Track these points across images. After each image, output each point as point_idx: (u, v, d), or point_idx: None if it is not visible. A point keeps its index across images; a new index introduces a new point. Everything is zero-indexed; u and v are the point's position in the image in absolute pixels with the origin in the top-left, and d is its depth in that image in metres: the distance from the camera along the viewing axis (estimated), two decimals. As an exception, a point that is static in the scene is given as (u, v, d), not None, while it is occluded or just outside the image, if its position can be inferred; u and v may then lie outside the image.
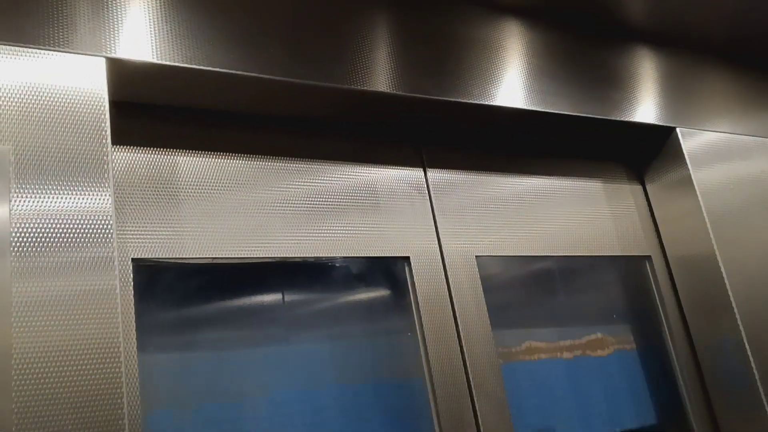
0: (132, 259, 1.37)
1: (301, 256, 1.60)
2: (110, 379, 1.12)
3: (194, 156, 1.53)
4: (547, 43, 2.04)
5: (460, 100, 1.76)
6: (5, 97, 1.20)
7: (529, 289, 2.01)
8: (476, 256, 1.83)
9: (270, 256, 1.56)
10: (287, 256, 1.58)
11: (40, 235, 1.15)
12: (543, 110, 1.91)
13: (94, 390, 1.10)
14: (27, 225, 1.15)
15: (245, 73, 1.47)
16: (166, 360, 1.44)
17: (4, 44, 1.23)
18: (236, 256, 1.51)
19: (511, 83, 1.89)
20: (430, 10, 1.85)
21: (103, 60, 1.30)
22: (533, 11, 2.05)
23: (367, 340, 1.68)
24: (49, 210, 1.17)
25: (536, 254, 1.96)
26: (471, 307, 1.76)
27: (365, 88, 1.63)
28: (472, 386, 1.67)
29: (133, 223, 1.41)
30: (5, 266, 1.10)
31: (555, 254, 2.00)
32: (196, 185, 1.51)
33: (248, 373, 1.55)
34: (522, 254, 1.93)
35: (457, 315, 1.73)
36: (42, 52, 1.26)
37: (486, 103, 1.81)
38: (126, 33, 1.36)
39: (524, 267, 2.01)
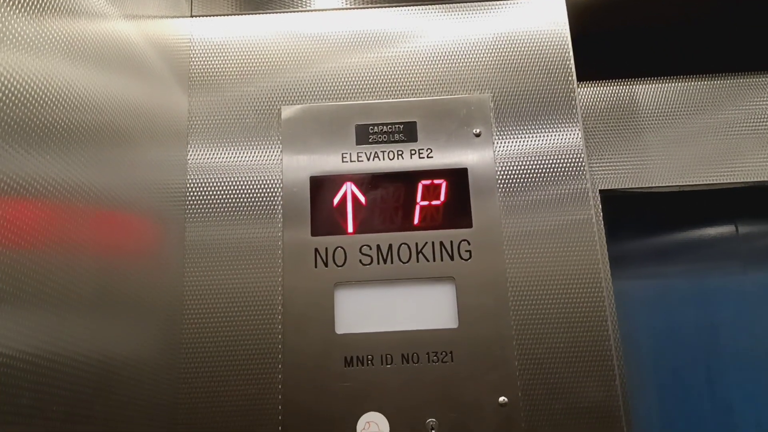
0: (600, 190, 1.41)
1: (780, 178, 1.44)
2: (594, 303, 1.19)
3: (654, 82, 1.49)
4: None
5: None
6: (482, 50, 1.33)
7: None
8: None
9: (743, 180, 1.43)
10: (765, 179, 1.43)
11: (521, 173, 1.27)
12: None
13: (580, 313, 1.18)
14: (508, 165, 1.27)
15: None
16: (636, 287, 1.46)
17: (476, 2, 1.36)
18: (705, 182, 1.43)
19: None
20: None
21: (562, 0, 1.35)
22: None
23: None
24: (525, 150, 1.28)
25: None
26: None
27: None
28: None
29: (598, 155, 1.44)
30: (495, 204, 1.25)
31: None
32: (659, 112, 1.47)
33: (722, 302, 1.48)
34: None
35: None
36: (506, 2, 1.36)
37: None
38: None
39: None
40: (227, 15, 1.37)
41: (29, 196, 0.70)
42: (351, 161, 1.26)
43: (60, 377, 0.75)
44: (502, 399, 1.14)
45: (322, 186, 1.25)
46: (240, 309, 1.19)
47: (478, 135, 1.28)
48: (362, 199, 1.24)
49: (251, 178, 1.27)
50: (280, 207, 1.24)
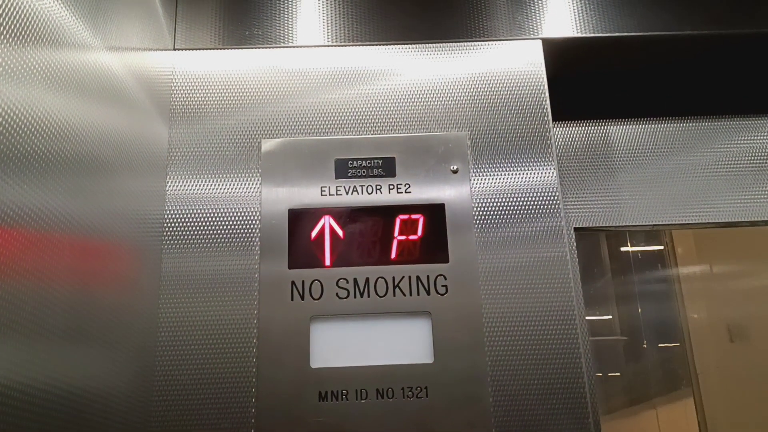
0: (574, 228, 1.43)
1: (750, 219, 1.47)
2: (567, 340, 1.20)
3: (627, 124, 1.52)
4: None
5: None
6: (460, 88, 1.36)
7: None
8: None
9: (714, 221, 1.47)
10: (734, 220, 1.47)
11: (497, 210, 1.28)
12: None
13: (554, 349, 1.19)
14: (485, 202, 1.29)
15: (679, 33, 1.41)
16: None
17: (455, 41, 1.39)
18: (678, 222, 1.46)
19: None
20: None
21: (539, 42, 1.39)
22: None
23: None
24: (502, 187, 1.30)
25: None
26: None
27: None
28: None
29: (573, 194, 1.47)
30: (471, 240, 1.26)
31: None
32: (632, 153, 1.50)
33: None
34: None
35: None
36: (484, 43, 1.39)
37: None
38: (551, 13, 1.42)
39: None
40: (210, 49, 1.38)
41: (4, 224, 0.70)
42: (330, 195, 1.27)
43: (30, 408, 0.74)
44: (476, 435, 1.14)
45: (300, 219, 1.26)
46: (215, 341, 1.19)
47: (455, 171, 1.30)
48: (340, 232, 1.25)
49: (230, 210, 1.27)
50: (257, 239, 1.25)
